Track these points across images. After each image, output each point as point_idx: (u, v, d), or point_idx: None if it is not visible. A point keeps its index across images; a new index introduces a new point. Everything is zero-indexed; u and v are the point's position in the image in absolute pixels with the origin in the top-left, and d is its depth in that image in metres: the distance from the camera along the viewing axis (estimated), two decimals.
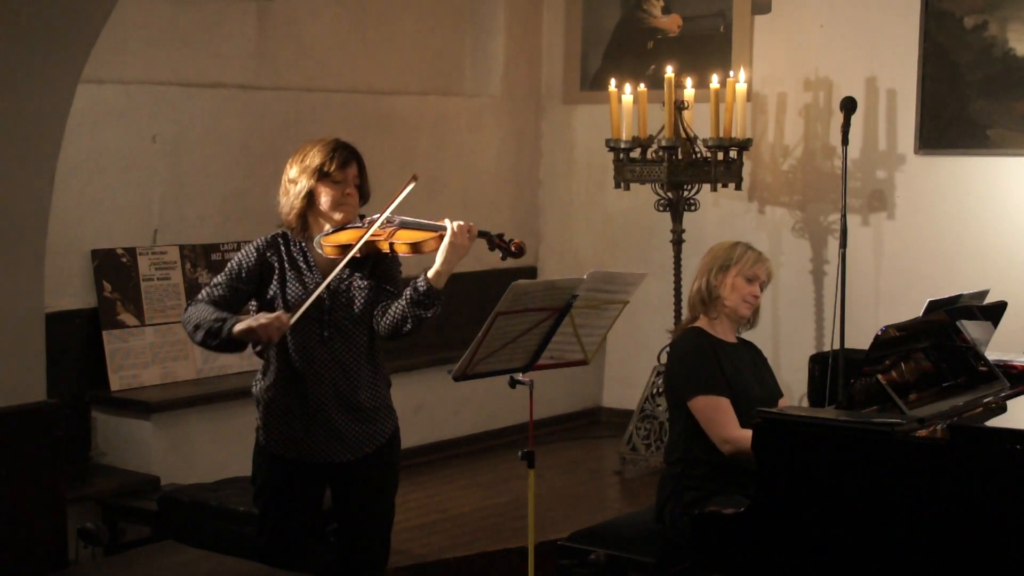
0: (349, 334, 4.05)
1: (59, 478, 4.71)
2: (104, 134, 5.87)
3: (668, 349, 4.64)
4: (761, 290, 4.62)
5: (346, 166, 4.04)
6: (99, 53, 4.93)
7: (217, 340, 3.93)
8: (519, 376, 4.05)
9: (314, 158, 4.03)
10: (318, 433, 4.06)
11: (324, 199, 4.04)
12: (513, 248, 4.04)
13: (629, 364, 7.61)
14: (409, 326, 3.99)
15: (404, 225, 4.03)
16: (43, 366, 4.70)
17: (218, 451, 5.83)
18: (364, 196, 4.14)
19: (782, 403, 4.70)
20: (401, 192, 4.01)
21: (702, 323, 4.59)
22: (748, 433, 4.25)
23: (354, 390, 4.07)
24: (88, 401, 5.75)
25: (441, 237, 3.95)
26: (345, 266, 4.00)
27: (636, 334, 7.40)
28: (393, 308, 4.01)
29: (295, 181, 4.05)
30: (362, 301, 4.05)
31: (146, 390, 5.82)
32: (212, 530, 4.88)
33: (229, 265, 4.10)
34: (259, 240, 4.12)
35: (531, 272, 7.87)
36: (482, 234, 4.05)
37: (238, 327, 3.90)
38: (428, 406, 6.82)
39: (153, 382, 5.91)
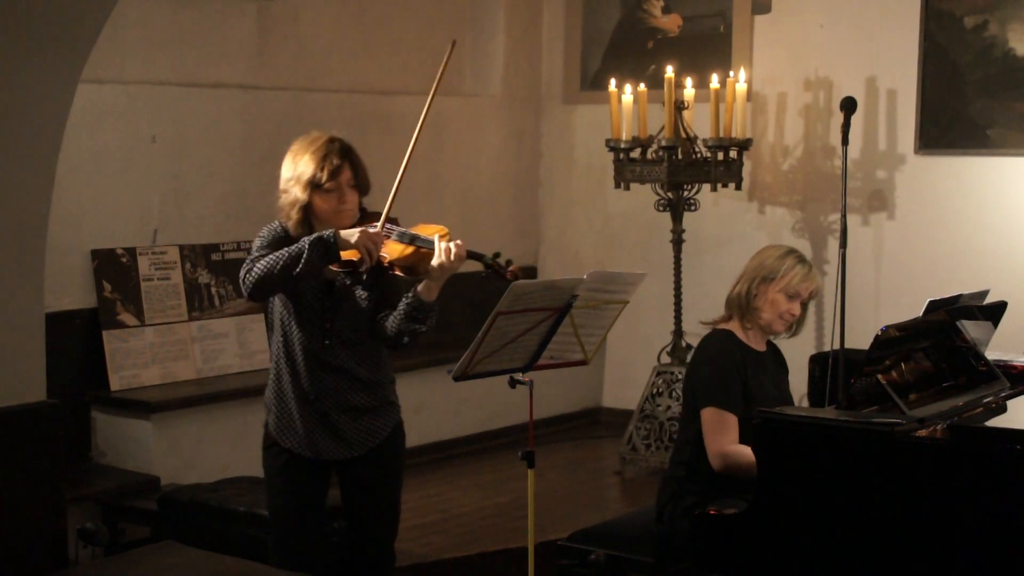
0: (351, 341, 4.07)
1: (59, 478, 4.71)
2: (104, 134, 5.87)
3: (696, 347, 4.58)
4: (804, 307, 4.50)
5: (338, 174, 4.00)
6: (99, 53, 4.93)
7: (317, 252, 3.83)
8: (519, 376, 4.05)
9: (306, 167, 3.99)
10: (320, 432, 4.09)
11: (321, 209, 4.03)
12: (508, 275, 3.99)
13: (629, 364, 7.61)
14: (407, 339, 4.03)
15: (401, 238, 4.00)
16: (43, 366, 4.69)
17: (218, 451, 5.83)
18: (364, 190, 4.12)
19: None
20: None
21: (734, 327, 4.49)
22: (741, 449, 4.26)
23: (353, 393, 4.09)
24: (88, 401, 5.75)
25: (431, 255, 3.95)
26: (346, 276, 4.03)
27: (636, 334, 7.40)
28: (390, 320, 4.03)
29: (287, 191, 4.03)
30: (362, 311, 4.07)
31: (146, 390, 5.82)
32: (212, 530, 4.89)
33: (263, 237, 4.04)
34: (277, 225, 4.08)
35: (531, 272, 7.87)
36: (474, 255, 4.00)
37: (342, 231, 3.87)
38: (428, 406, 6.82)
39: (153, 382, 5.91)
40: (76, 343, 5.73)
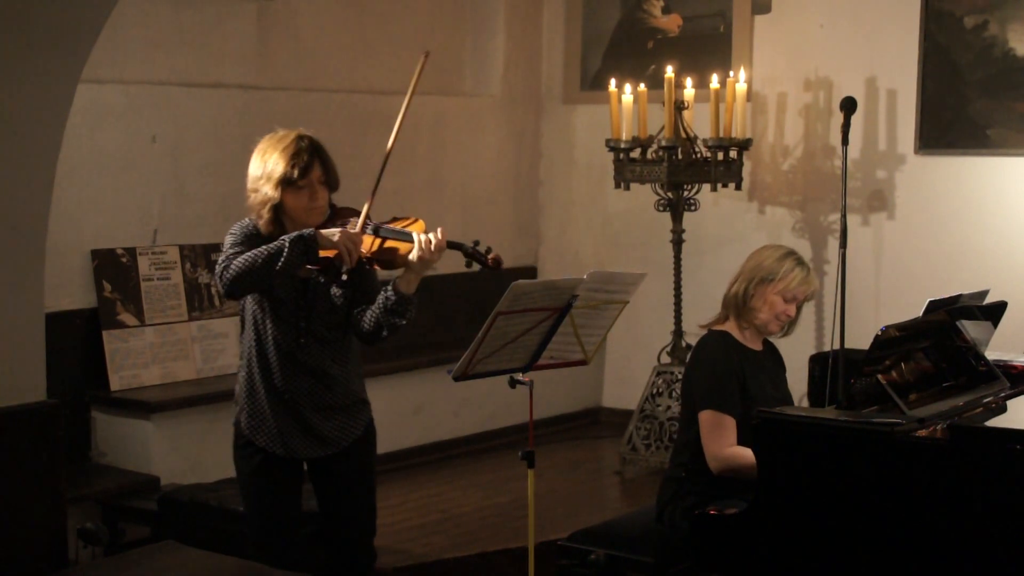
0: (325, 340, 4.07)
1: (59, 478, 4.72)
2: (104, 134, 5.87)
3: (693, 349, 4.58)
4: (799, 309, 4.49)
5: (308, 171, 3.99)
6: (99, 53, 4.93)
7: (297, 250, 3.82)
8: (519, 376, 4.05)
9: (276, 165, 3.97)
10: (293, 431, 4.10)
11: (293, 207, 4.01)
12: (490, 261, 4.02)
13: (629, 364, 7.61)
14: (386, 332, 4.03)
15: (377, 233, 4.00)
16: (43, 366, 4.70)
17: (218, 451, 5.80)
18: (333, 186, 4.10)
19: None
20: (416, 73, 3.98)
21: (730, 327, 4.49)
22: (739, 451, 4.26)
23: (327, 391, 4.10)
24: (88, 401, 5.75)
25: (409, 248, 3.95)
26: (320, 274, 4.01)
27: (636, 334, 7.39)
28: (368, 315, 4.03)
29: (256, 189, 4.01)
30: (338, 309, 4.07)
31: (146, 390, 5.82)
32: (212, 530, 4.89)
33: (236, 235, 4.01)
34: (248, 223, 4.06)
35: (531, 272, 7.87)
36: (454, 245, 4.01)
37: (322, 230, 3.86)
38: (428, 406, 6.82)
39: (153, 382, 5.91)
40: (76, 343, 5.73)
